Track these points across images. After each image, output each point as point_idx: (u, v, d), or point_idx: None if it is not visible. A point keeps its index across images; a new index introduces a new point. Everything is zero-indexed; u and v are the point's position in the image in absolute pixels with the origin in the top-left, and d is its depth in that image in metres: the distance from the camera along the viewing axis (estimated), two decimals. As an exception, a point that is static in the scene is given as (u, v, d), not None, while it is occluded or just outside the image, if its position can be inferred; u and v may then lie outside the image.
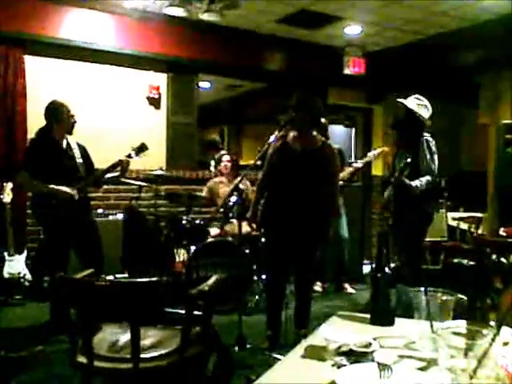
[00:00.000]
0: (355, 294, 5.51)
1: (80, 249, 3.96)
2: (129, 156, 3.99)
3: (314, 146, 3.60)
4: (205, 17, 5.32)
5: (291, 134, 3.61)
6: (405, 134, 4.15)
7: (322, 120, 5.32)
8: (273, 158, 3.64)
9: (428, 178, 3.91)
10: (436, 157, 3.98)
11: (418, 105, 4.02)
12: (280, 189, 3.64)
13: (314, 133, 3.66)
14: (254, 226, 3.82)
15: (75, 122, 3.97)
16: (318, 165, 3.58)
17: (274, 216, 3.67)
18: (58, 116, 3.89)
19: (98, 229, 4.10)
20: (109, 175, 4.04)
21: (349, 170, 5.24)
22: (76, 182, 3.87)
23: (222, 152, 6.99)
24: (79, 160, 3.99)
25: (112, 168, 3.97)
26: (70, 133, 3.99)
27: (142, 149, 4.02)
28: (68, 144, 3.99)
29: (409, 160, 3.82)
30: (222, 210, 4.96)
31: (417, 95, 4.10)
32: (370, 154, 5.29)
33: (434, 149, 3.99)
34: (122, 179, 5.00)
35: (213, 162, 6.92)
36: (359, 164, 5.28)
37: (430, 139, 4.02)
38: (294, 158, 3.57)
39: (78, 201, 3.85)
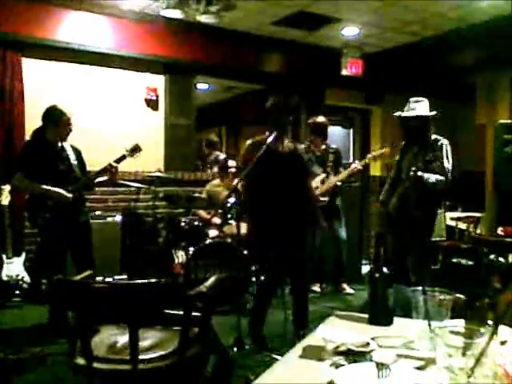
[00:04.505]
0: (353, 294, 5.51)
1: (72, 249, 3.97)
2: (123, 157, 4.02)
3: (290, 147, 3.76)
4: (202, 19, 5.31)
5: (270, 137, 3.67)
6: (418, 136, 4.15)
7: (323, 119, 5.35)
8: (253, 159, 3.66)
9: (438, 177, 3.96)
10: (451, 160, 4.06)
11: (425, 106, 4.08)
12: (264, 190, 3.72)
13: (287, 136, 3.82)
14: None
15: (71, 130, 3.99)
16: (295, 163, 3.73)
17: (261, 216, 3.76)
18: (56, 122, 3.90)
19: (90, 230, 4.12)
20: (99, 179, 4.07)
21: (348, 171, 5.22)
22: (71, 183, 3.90)
23: (220, 153, 6.99)
24: (74, 162, 4.01)
25: (102, 172, 4.00)
26: (64, 139, 4.01)
27: (135, 150, 4.06)
28: (62, 146, 4.01)
29: (431, 155, 3.97)
30: (220, 211, 4.96)
31: (413, 98, 4.13)
32: (370, 156, 5.27)
33: (450, 152, 4.06)
34: (120, 181, 5.01)
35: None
36: (358, 166, 5.26)
37: (447, 142, 4.09)
38: (274, 159, 3.66)
39: (73, 202, 3.87)
